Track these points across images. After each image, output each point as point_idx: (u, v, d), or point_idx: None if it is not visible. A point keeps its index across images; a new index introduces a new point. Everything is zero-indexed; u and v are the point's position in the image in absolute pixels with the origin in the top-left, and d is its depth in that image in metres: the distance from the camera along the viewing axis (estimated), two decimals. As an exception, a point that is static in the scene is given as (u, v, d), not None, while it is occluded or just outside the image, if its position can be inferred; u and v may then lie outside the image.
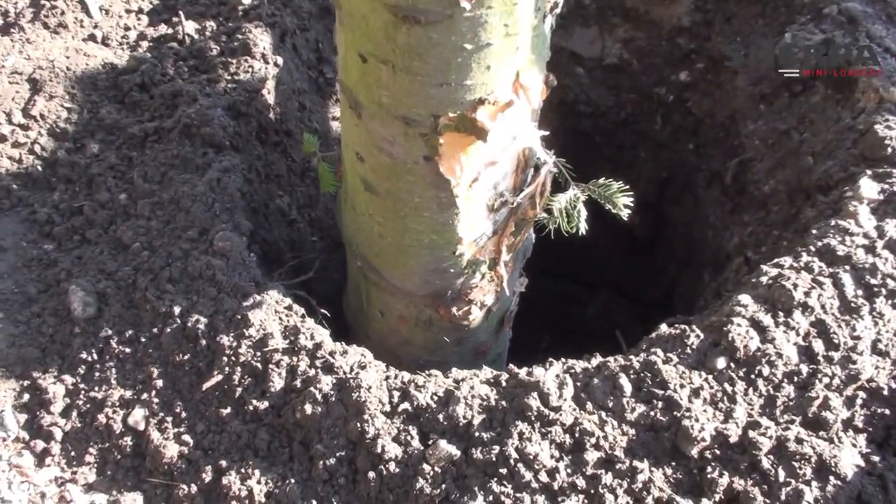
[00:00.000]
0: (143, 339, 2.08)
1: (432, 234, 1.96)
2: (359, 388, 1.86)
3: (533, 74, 1.72)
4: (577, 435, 1.78)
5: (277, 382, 1.93)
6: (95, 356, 2.07)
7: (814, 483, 1.72)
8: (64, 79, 2.74)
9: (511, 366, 1.96)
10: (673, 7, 3.59)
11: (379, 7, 1.48)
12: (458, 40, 1.50)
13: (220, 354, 1.98)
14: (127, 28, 3.07)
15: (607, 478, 1.72)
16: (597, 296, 4.49)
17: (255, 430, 1.91)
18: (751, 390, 1.86)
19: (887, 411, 1.86)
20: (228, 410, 1.93)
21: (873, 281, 2.01)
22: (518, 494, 1.70)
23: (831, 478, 1.72)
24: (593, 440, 1.76)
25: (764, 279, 2.08)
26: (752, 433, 1.76)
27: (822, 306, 1.97)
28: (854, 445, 1.80)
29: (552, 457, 1.75)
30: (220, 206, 2.34)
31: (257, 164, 2.72)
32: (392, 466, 1.77)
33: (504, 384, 1.90)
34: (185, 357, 2.01)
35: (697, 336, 1.95)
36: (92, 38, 2.98)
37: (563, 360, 1.99)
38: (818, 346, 1.91)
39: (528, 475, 1.72)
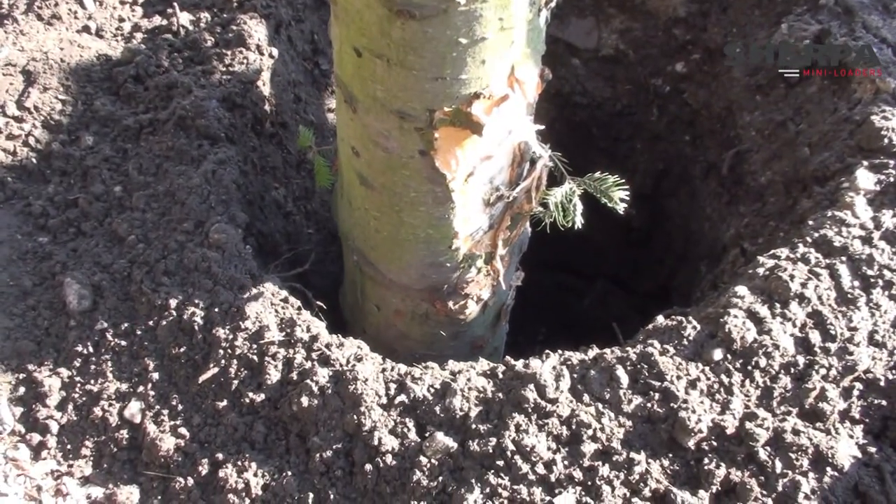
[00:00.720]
0: (138, 332, 2.07)
1: (428, 228, 1.95)
2: (355, 381, 1.86)
3: (528, 68, 1.71)
4: (573, 427, 1.78)
5: (274, 375, 1.93)
6: (91, 349, 2.06)
7: (810, 474, 1.72)
8: (58, 70, 2.72)
9: (508, 358, 1.96)
10: (669, -3, 3.58)
11: (374, 1, 1.47)
12: (453, 34, 1.49)
13: (216, 347, 1.98)
14: (121, 19, 3.05)
15: (604, 469, 1.72)
16: (593, 288, 4.48)
17: (251, 422, 1.91)
18: (747, 382, 1.86)
19: (884, 402, 1.87)
20: (225, 403, 1.93)
21: (870, 272, 2.02)
22: (515, 486, 1.71)
23: (828, 469, 1.73)
24: (590, 432, 1.76)
25: (760, 270, 2.08)
26: (748, 424, 1.77)
27: (819, 297, 1.97)
28: (851, 436, 1.81)
29: (549, 449, 1.76)
30: (215, 198, 2.33)
31: (253, 155, 2.71)
32: (389, 459, 1.77)
33: (501, 376, 1.90)
34: (181, 350, 2.01)
35: (694, 328, 1.95)
36: (86, 29, 2.97)
37: (559, 351, 1.99)
38: (815, 337, 1.91)
39: (525, 467, 1.72)
